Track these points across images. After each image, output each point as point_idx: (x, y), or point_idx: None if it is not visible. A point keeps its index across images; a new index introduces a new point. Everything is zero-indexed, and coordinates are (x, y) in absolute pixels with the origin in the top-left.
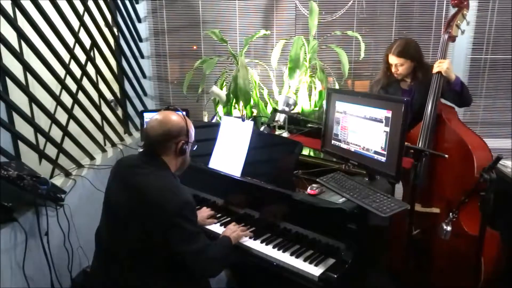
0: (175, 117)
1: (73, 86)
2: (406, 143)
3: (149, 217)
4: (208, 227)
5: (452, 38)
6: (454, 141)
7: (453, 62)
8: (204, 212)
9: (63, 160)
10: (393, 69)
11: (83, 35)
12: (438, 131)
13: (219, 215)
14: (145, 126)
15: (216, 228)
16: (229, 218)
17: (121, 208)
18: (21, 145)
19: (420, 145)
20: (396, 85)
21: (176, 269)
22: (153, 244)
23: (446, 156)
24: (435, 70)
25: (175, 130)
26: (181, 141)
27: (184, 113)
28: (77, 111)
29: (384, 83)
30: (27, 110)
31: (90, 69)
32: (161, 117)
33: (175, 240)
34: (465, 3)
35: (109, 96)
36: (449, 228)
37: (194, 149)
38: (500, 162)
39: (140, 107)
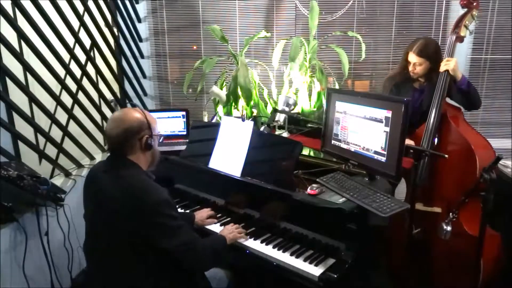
0: (133, 113)
1: (73, 86)
2: (407, 142)
3: (128, 223)
4: (208, 227)
5: (460, 39)
6: (457, 141)
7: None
8: (204, 212)
9: (63, 160)
10: (410, 68)
11: (83, 35)
12: (442, 130)
13: (219, 215)
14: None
15: (216, 228)
16: (229, 218)
17: (99, 219)
18: (21, 145)
19: (424, 145)
20: (409, 83)
21: (174, 269)
22: (142, 246)
23: (446, 156)
24: (442, 68)
25: (135, 126)
26: (144, 136)
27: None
28: (77, 111)
29: (398, 80)
30: (27, 110)
31: (90, 69)
32: (117, 116)
33: (159, 238)
34: (475, 3)
35: (109, 96)
36: (449, 228)
37: (161, 141)
38: (500, 162)
39: (140, 107)
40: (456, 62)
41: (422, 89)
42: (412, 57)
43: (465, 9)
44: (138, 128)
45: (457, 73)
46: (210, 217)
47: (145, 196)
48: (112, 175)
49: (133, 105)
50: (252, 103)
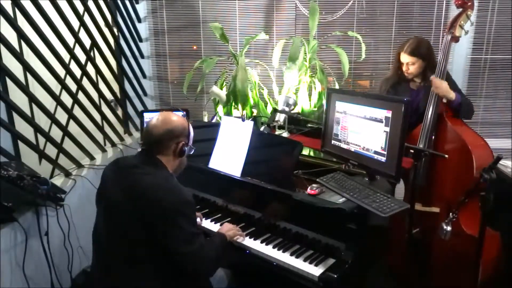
0: (178, 118)
1: (73, 86)
2: (406, 143)
3: (149, 217)
4: (207, 226)
5: (455, 39)
6: (454, 141)
7: (453, 62)
8: None
9: (63, 160)
10: (404, 68)
11: (83, 35)
12: (439, 130)
13: (219, 215)
14: (145, 125)
15: (216, 228)
16: (229, 218)
17: (120, 209)
18: (21, 145)
19: (420, 145)
20: (405, 84)
21: (177, 269)
22: (154, 243)
23: (446, 156)
24: (433, 90)
25: (178, 130)
26: (181, 141)
27: (184, 113)
28: (77, 111)
29: (394, 82)
30: (27, 110)
31: (90, 69)
32: (164, 116)
33: (174, 240)
34: (469, 3)
35: (109, 96)
36: (449, 228)
37: (191, 153)
38: (500, 162)
39: (140, 107)
40: (446, 86)
41: (419, 89)
42: (404, 58)
43: (460, 9)
44: (180, 132)
45: (448, 95)
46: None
47: (172, 195)
48: (142, 171)
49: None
50: (252, 103)
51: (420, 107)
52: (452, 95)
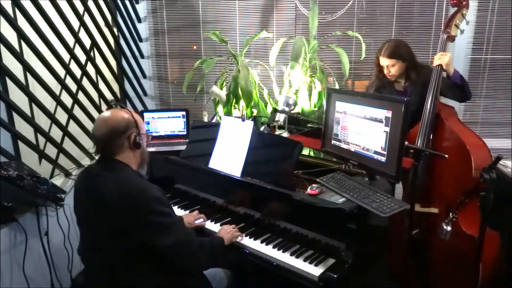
0: (119, 113)
1: (73, 86)
2: (406, 143)
3: (125, 224)
4: (208, 227)
5: (451, 38)
6: (452, 141)
7: (453, 62)
8: (191, 217)
9: (63, 160)
10: (385, 71)
11: (83, 35)
12: (436, 130)
13: (219, 215)
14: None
15: (216, 228)
16: (229, 218)
17: (94, 221)
18: (21, 145)
19: (419, 145)
20: (390, 87)
21: (174, 269)
22: (140, 246)
23: (446, 156)
24: (435, 62)
25: (122, 125)
26: (132, 134)
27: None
28: (77, 111)
29: (378, 86)
30: (27, 110)
31: (90, 69)
32: (104, 115)
33: (154, 236)
34: (465, 2)
35: (109, 96)
36: (449, 228)
37: (149, 140)
38: (500, 162)
39: (140, 107)
40: (451, 57)
41: (405, 90)
42: (384, 61)
43: (455, 8)
44: (125, 127)
45: (450, 68)
46: (199, 219)
47: (139, 196)
48: (104, 178)
49: (116, 105)
50: (252, 103)
51: (411, 106)
52: (452, 68)
